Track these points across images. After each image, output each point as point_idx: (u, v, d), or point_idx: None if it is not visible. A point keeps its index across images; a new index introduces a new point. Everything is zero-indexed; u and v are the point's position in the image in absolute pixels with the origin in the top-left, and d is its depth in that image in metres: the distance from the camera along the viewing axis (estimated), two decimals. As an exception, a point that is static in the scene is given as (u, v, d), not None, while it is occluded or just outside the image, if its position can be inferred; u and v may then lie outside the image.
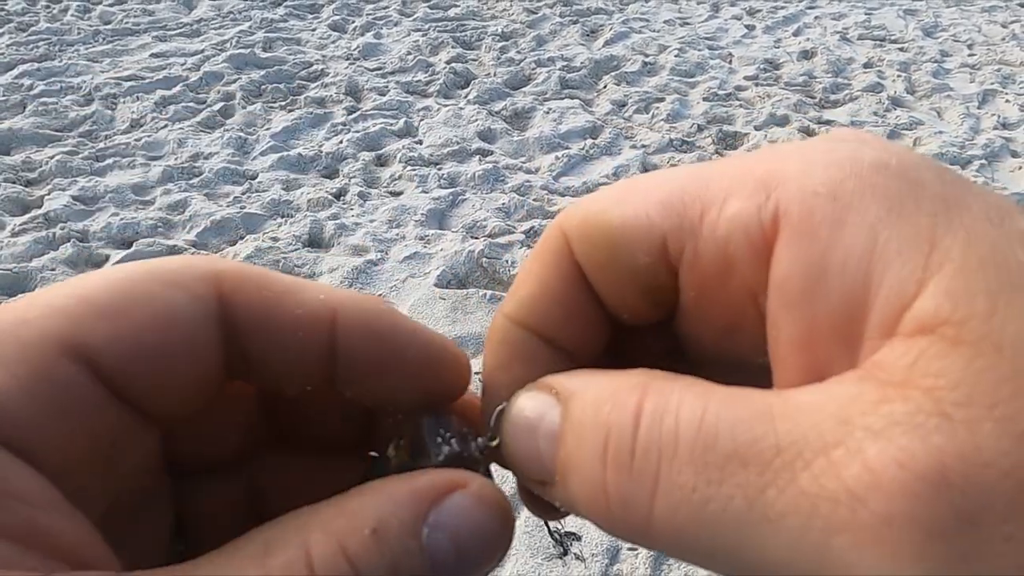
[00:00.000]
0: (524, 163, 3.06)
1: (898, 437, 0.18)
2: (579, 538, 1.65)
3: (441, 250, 2.51)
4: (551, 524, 1.66)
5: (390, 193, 2.85)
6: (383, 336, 0.26)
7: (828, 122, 3.43)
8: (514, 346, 0.27)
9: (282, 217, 2.68)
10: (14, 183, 2.76)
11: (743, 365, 0.25)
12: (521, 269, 0.28)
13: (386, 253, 2.50)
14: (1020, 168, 3.11)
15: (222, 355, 0.25)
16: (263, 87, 3.52)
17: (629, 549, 1.64)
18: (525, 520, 1.68)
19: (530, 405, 0.24)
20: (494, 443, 0.26)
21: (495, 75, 3.74)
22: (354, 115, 3.33)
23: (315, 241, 2.58)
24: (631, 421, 0.21)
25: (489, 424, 0.26)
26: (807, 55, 4.11)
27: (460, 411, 0.29)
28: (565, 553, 1.63)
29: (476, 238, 2.56)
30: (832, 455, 0.18)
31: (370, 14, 4.39)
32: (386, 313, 0.26)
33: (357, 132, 3.18)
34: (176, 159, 2.97)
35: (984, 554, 0.17)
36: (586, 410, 0.22)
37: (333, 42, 4.04)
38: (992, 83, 3.82)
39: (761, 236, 0.22)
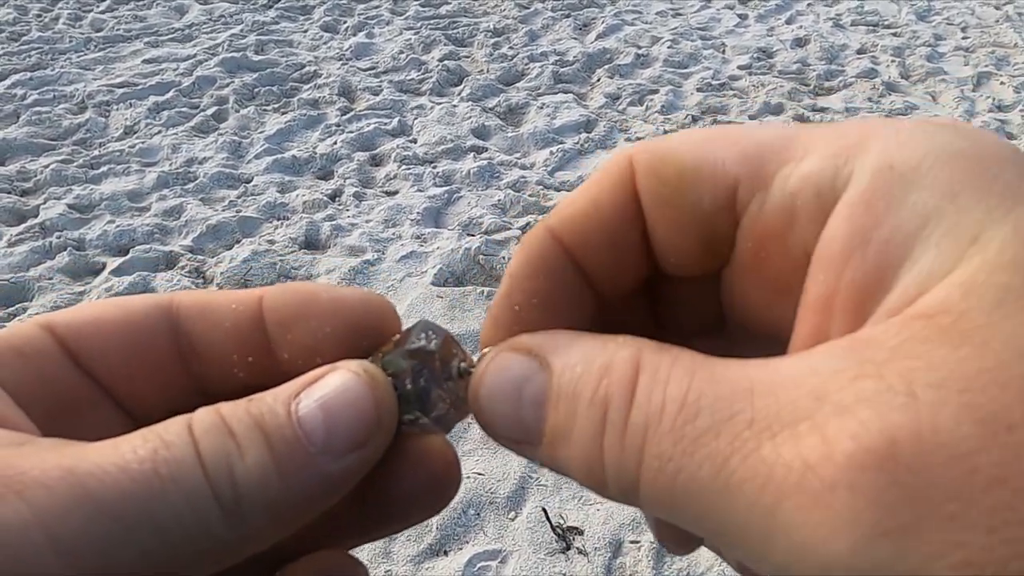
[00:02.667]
0: (519, 159, 3.06)
1: (860, 412, 0.18)
2: (581, 532, 1.65)
3: (438, 248, 2.51)
4: (553, 519, 1.67)
5: (385, 193, 2.85)
6: (299, 291, 0.28)
7: (823, 110, 3.42)
8: (546, 259, 0.27)
9: (278, 220, 2.68)
10: (9, 193, 2.76)
11: (779, 339, 0.25)
12: (577, 189, 0.27)
13: (383, 253, 2.50)
14: (1016, 150, 3.11)
15: (172, 343, 0.28)
16: (256, 90, 3.52)
17: (631, 542, 1.64)
18: (527, 516, 1.69)
19: (511, 368, 0.24)
20: (472, 371, 0.26)
21: (488, 71, 3.74)
22: (348, 115, 3.32)
23: (312, 243, 2.58)
24: (627, 395, 0.22)
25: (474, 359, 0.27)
26: (800, 43, 4.10)
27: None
28: (568, 548, 1.63)
29: (472, 235, 2.56)
30: (798, 428, 0.19)
31: (362, 14, 4.38)
32: (305, 282, 0.29)
33: (351, 132, 3.18)
34: (171, 165, 2.96)
35: (923, 529, 0.17)
36: (579, 380, 0.23)
37: (325, 43, 4.04)
38: (986, 66, 3.80)
39: (831, 195, 0.23)
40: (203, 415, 0.23)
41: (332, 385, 0.24)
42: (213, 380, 0.28)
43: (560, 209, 0.27)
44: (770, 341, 0.26)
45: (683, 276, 0.28)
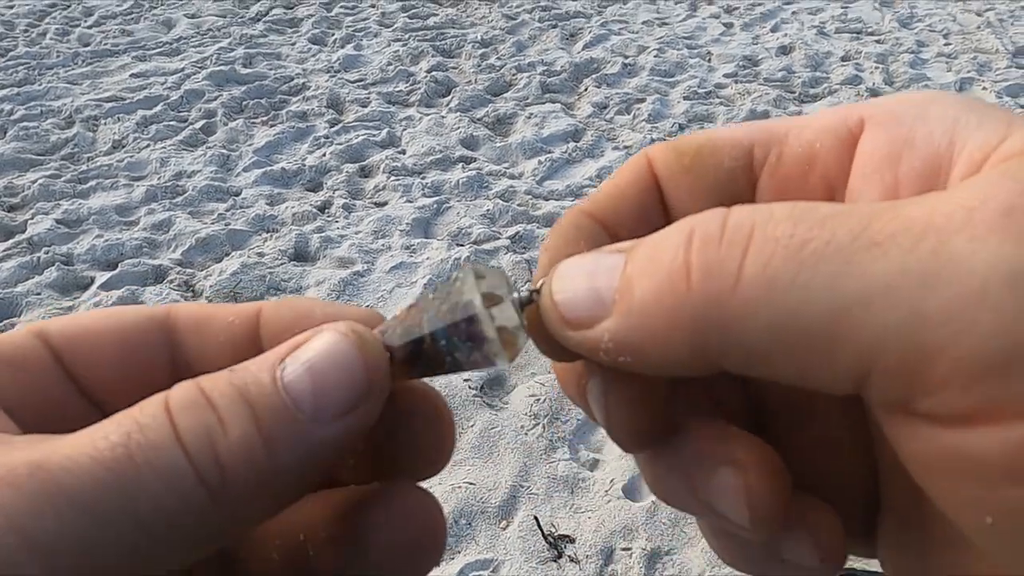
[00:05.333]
0: (507, 169, 3.07)
1: (1000, 181, 0.19)
2: (573, 540, 1.66)
3: (427, 259, 2.51)
4: (545, 528, 1.67)
5: (375, 204, 2.86)
6: (295, 307, 0.27)
7: (808, 116, 3.45)
8: (581, 229, 0.27)
9: (267, 232, 2.68)
10: (-3, 209, 2.75)
11: None
12: (603, 183, 0.30)
13: (372, 264, 2.51)
14: (999, 154, 3.14)
15: (165, 356, 0.27)
16: (244, 103, 3.53)
17: (623, 550, 1.64)
18: (519, 525, 1.69)
19: (591, 256, 0.24)
20: (535, 293, 0.25)
21: (476, 82, 3.75)
22: (336, 127, 3.33)
23: (301, 255, 2.58)
24: (719, 218, 0.21)
25: (534, 288, 0.26)
26: (785, 50, 4.14)
27: None
28: (559, 556, 1.63)
29: (462, 245, 2.57)
30: (938, 194, 0.19)
31: (350, 26, 4.39)
32: (302, 297, 0.28)
33: (340, 144, 3.19)
34: (159, 178, 2.96)
35: None
36: (658, 237, 0.22)
37: (313, 55, 4.05)
38: (969, 71, 3.85)
39: (847, 132, 0.25)
40: (181, 390, 0.21)
41: (318, 347, 0.22)
42: None
43: (588, 197, 0.29)
44: None
45: None
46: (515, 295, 0.25)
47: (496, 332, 0.24)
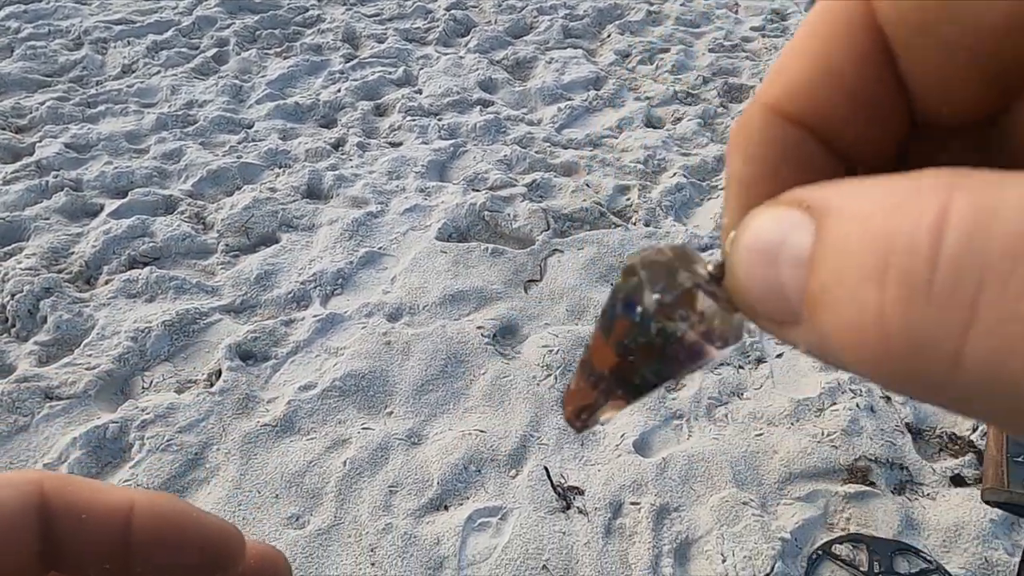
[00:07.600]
0: (526, 114, 3.00)
1: None
2: (582, 492, 1.66)
3: (442, 203, 2.47)
4: (555, 478, 1.67)
5: (389, 144, 2.80)
6: (168, 516, 0.28)
7: (835, 75, 3.36)
8: (779, 147, 0.20)
9: (280, 167, 2.63)
10: (4, 129, 2.69)
11: None
12: (788, 48, 0.20)
13: (386, 205, 2.47)
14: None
15: (39, 544, 0.28)
16: (257, 33, 3.43)
17: (631, 504, 1.64)
18: (528, 474, 1.69)
19: (770, 225, 0.18)
20: (718, 275, 0.20)
21: (496, 23, 3.65)
22: (352, 63, 3.25)
23: (314, 192, 2.53)
24: (930, 227, 0.14)
25: (724, 254, 0.20)
26: (816, 4, 4.01)
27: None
28: (568, 507, 1.63)
29: (477, 191, 2.52)
30: None
31: (367, -43, 4.25)
32: (176, 504, 0.29)
33: (355, 80, 3.11)
34: (170, 106, 2.90)
35: None
36: (853, 223, 0.16)
37: (329, -14, 3.93)
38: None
39: None
40: None
41: None
42: (66, 571, 0.29)
43: (775, 79, 0.20)
44: None
45: (953, 127, 0.20)
46: (705, 269, 0.20)
47: (654, 298, 0.19)
